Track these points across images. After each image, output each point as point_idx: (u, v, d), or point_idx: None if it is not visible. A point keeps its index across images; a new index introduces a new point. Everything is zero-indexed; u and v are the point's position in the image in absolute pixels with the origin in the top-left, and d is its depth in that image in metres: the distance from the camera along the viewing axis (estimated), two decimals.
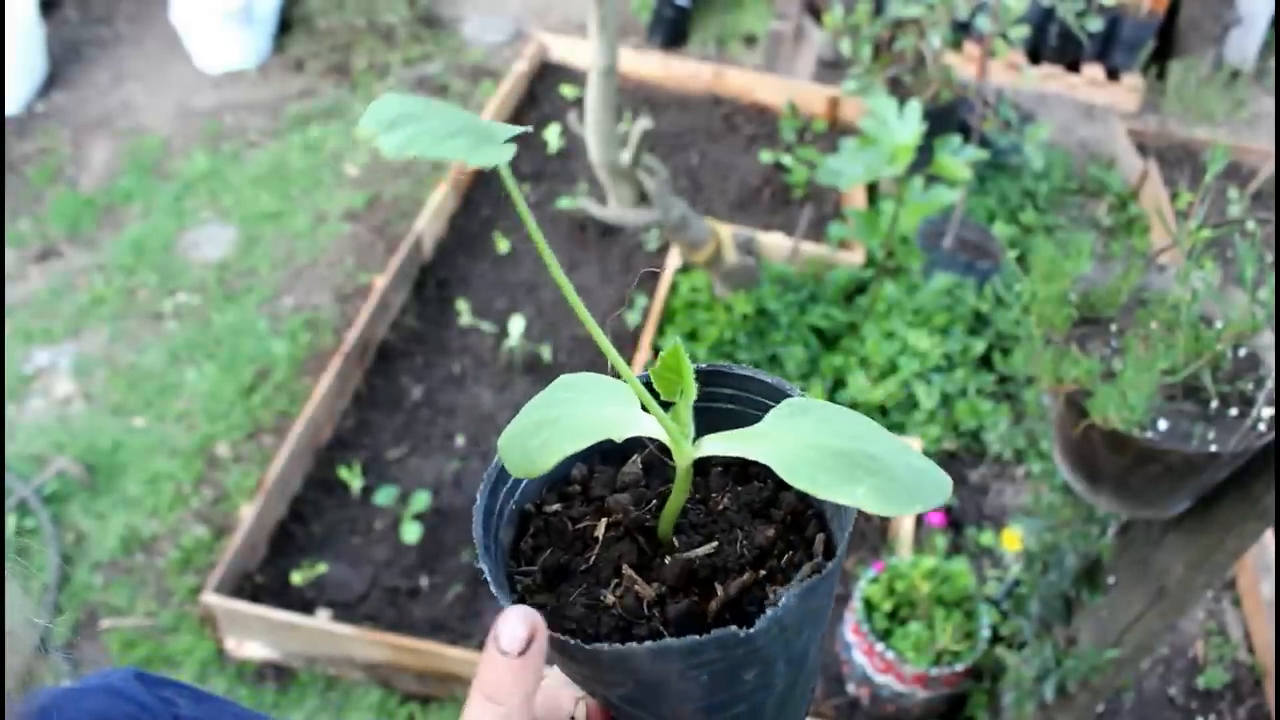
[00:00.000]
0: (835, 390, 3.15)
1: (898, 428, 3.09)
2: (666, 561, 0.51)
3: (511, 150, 0.41)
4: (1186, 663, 2.66)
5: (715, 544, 0.52)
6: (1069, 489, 1.76)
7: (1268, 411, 1.30)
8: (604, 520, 0.53)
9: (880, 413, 3.12)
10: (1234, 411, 1.32)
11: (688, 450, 0.50)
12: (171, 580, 2.77)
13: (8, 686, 0.55)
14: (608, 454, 0.58)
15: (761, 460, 0.47)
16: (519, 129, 0.43)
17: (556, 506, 0.56)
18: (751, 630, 0.44)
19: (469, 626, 2.66)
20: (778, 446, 0.47)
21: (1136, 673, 2.60)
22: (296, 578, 2.67)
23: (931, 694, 2.34)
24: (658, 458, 0.57)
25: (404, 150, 0.40)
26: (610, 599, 0.50)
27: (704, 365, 0.56)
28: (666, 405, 0.50)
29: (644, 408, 0.50)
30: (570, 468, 0.57)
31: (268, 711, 2.51)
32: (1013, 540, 2.69)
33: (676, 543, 0.52)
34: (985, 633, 2.32)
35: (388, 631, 2.53)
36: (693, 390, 0.49)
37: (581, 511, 0.55)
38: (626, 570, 0.51)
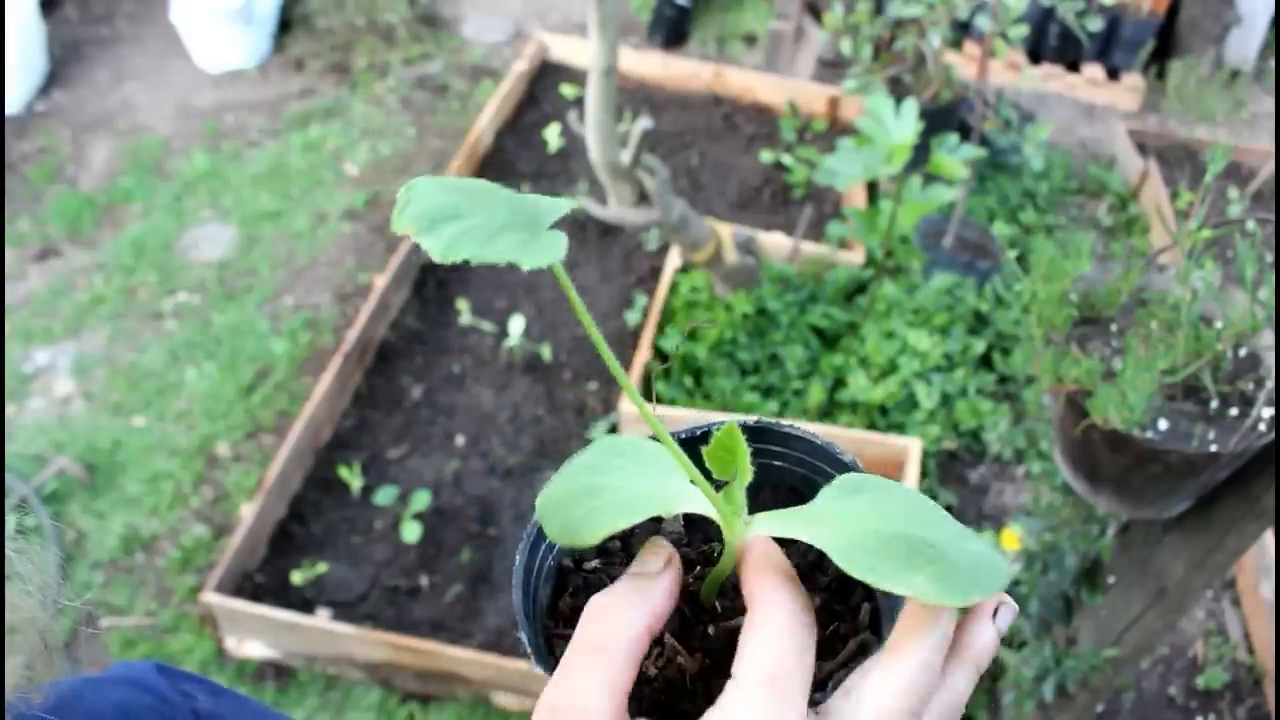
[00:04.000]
0: (835, 390, 3.15)
1: (898, 427, 3.09)
2: (710, 631, 0.50)
3: (564, 244, 0.40)
4: (1186, 663, 2.66)
5: None
6: (1069, 489, 1.76)
7: (1268, 411, 1.30)
8: None
9: (880, 413, 3.12)
10: (1234, 411, 1.32)
11: (740, 531, 0.48)
12: (171, 580, 2.77)
13: (31, 671, 0.55)
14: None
15: (817, 545, 0.46)
16: (566, 204, 0.42)
17: (596, 563, 0.54)
18: None
19: (469, 626, 2.66)
20: (833, 531, 0.46)
21: (1136, 673, 2.60)
22: (296, 577, 2.67)
23: None
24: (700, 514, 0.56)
25: (452, 254, 0.38)
26: (652, 670, 0.49)
27: (750, 422, 0.54)
28: (718, 483, 0.49)
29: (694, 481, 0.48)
30: None
31: None
32: (1013, 540, 2.69)
33: (719, 607, 0.51)
34: None
35: (388, 631, 2.53)
36: (748, 473, 0.48)
37: (622, 570, 0.53)
38: (669, 640, 0.49)
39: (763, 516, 0.49)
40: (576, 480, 0.49)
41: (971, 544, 0.45)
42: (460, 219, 0.40)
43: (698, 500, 0.48)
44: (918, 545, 0.44)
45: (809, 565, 0.53)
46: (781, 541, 0.54)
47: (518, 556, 0.51)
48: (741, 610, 0.49)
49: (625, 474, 0.49)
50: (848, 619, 0.51)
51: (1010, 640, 2.22)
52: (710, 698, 0.46)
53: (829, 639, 0.49)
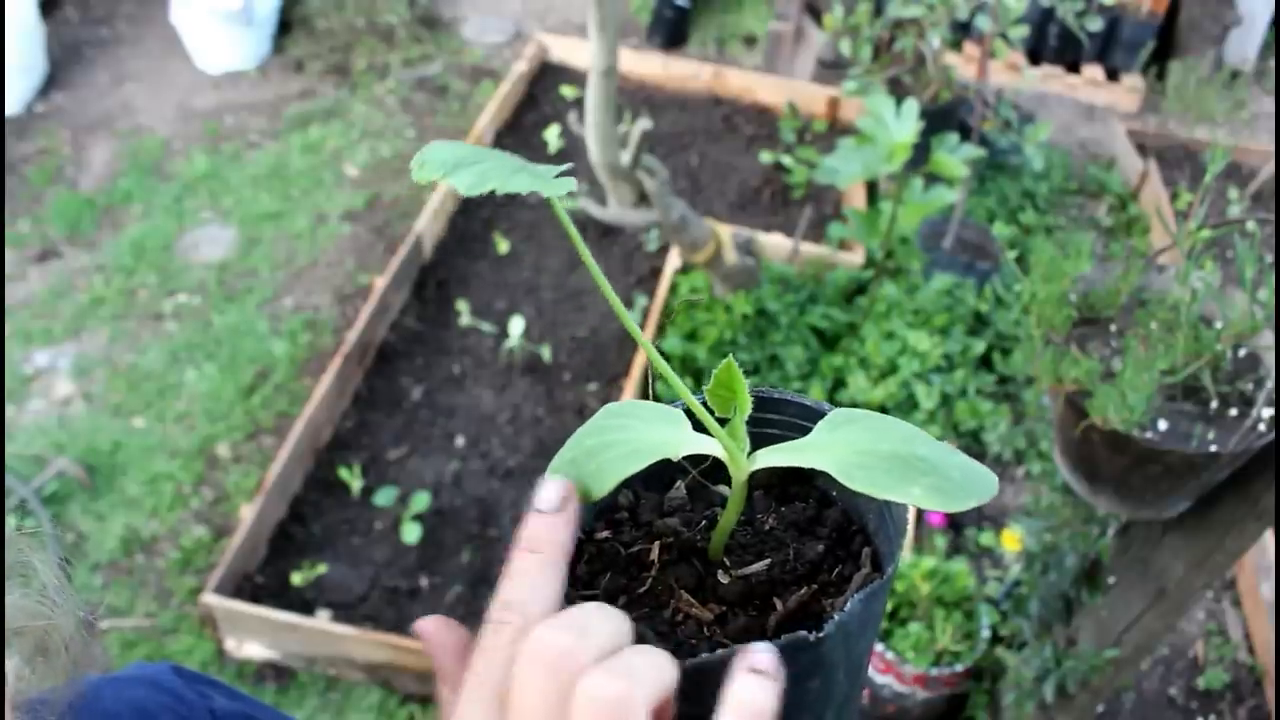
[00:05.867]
0: (835, 390, 3.15)
1: None
2: (724, 581, 0.52)
3: (573, 182, 0.45)
4: (1186, 663, 2.66)
5: (768, 561, 0.53)
6: (1069, 489, 1.76)
7: (1268, 411, 1.30)
8: (657, 543, 0.54)
9: (880, 413, 3.12)
10: (1234, 411, 1.32)
11: (744, 464, 0.51)
12: (171, 581, 2.77)
13: (34, 672, 0.56)
14: (649, 482, 0.58)
15: (819, 468, 0.48)
16: (564, 166, 0.47)
17: (606, 533, 0.56)
18: (821, 635, 0.45)
19: (469, 627, 2.65)
20: (833, 454, 0.49)
21: (1136, 673, 2.60)
22: (296, 578, 2.67)
23: (931, 694, 2.34)
24: (699, 482, 0.58)
25: (478, 188, 0.43)
26: (672, 621, 0.51)
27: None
28: (720, 422, 0.51)
29: (697, 425, 0.51)
30: (616, 495, 0.58)
31: None
32: (1013, 540, 2.70)
33: (728, 562, 0.53)
34: (985, 633, 2.32)
35: (388, 632, 2.53)
36: (748, 405, 0.50)
37: (633, 536, 0.56)
38: (684, 595, 0.52)
39: (764, 451, 0.51)
40: (584, 443, 0.51)
41: (959, 458, 0.48)
42: (478, 164, 0.45)
43: (701, 442, 0.51)
44: (912, 461, 0.47)
45: (808, 520, 0.56)
46: (785, 495, 0.58)
47: None
48: (748, 562, 0.53)
49: (630, 430, 0.51)
50: (850, 563, 0.53)
51: (1011, 641, 2.22)
52: (728, 638, 0.49)
53: (836, 580, 0.52)
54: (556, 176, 0.45)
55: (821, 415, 0.55)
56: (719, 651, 0.45)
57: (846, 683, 0.50)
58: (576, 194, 3.79)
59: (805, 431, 0.54)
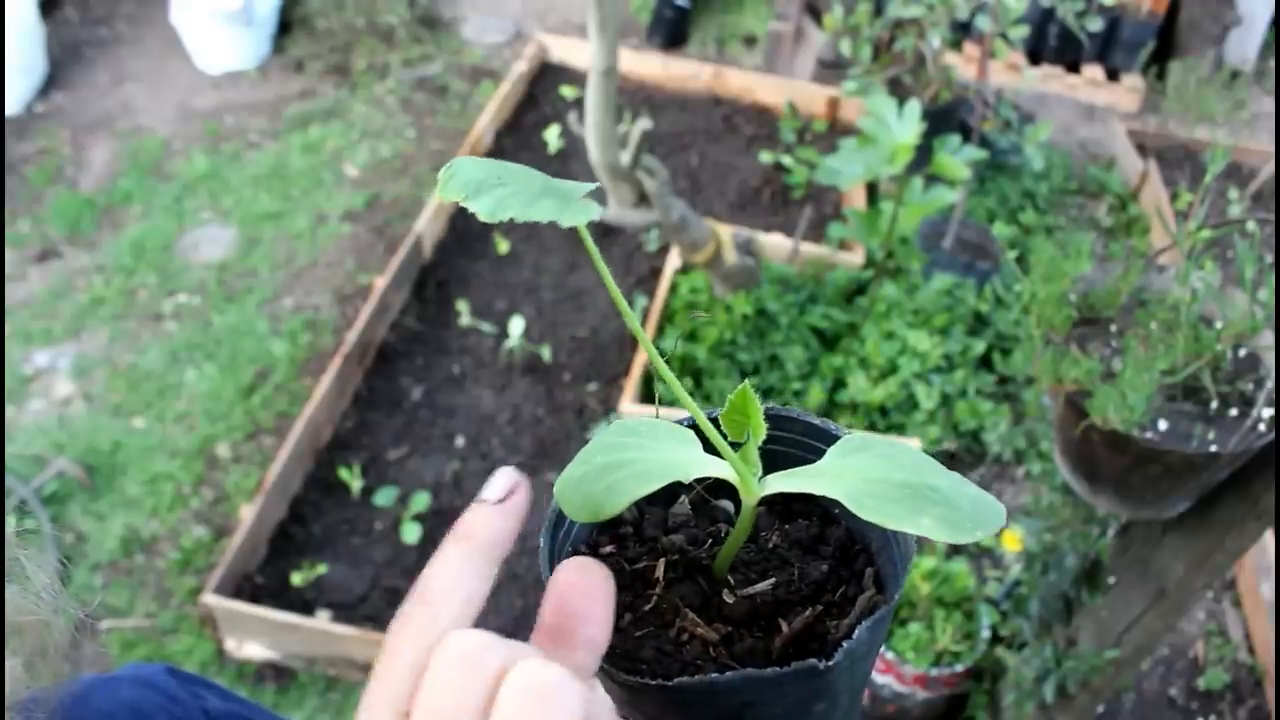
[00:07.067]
0: (835, 390, 3.15)
1: (898, 428, 3.09)
2: (729, 600, 0.52)
3: (596, 209, 0.44)
4: (1186, 663, 2.66)
5: (772, 580, 0.53)
6: (1069, 489, 1.76)
7: (1268, 411, 1.30)
8: (662, 561, 0.54)
9: (880, 413, 3.12)
10: (1234, 411, 1.32)
11: (756, 490, 0.51)
12: (171, 581, 2.77)
13: (32, 672, 0.56)
14: (653, 495, 0.57)
15: (830, 495, 0.48)
16: (590, 186, 0.46)
17: (611, 548, 0.56)
18: (831, 663, 0.45)
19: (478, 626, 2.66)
20: (844, 482, 0.49)
21: (1136, 673, 2.60)
22: (296, 578, 2.67)
23: (931, 694, 2.34)
24: (701, 497, 0.58)
25: (498, 214, 0.43)
26: (677, 640, 0.51)
27: None
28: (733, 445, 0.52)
29: (708, 449, 0.51)
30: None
31: None
32: (1013, 540, 2.70)
33: (733, 580, 0.53)
34: (985, 633, 2.32)
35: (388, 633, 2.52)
36: (762, 431, 0.50)
37: (637, 552, 0.55)
38: (689, 615, 0.51)
39: (775, 476, 0.51)
40: (594, 459, 0.51)
41: (970, 489, 0.48)
42: (502, 186, 0.45)
43: (714, 465, 0.51)
44: (923, 491, 0.47)
45: (811, 538, 0.56)
46: (789, 512, 0.57)
47: (541, 540, 0.52)
48: (752, 581, 0.52)
49: (642, 449, 0.51)
50: (854, 583, 0.53)
51: (1011, 641, 2.22)
52: (734, 659, 0.49)
53: (840, 601, 0.52)
54: (583, 197, 0.45)
55: (828, 433, 0.55)
56: (728, 674, 0.45)
57: (848, 701, 0.50)
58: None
59: (810, 449, 0.54)
